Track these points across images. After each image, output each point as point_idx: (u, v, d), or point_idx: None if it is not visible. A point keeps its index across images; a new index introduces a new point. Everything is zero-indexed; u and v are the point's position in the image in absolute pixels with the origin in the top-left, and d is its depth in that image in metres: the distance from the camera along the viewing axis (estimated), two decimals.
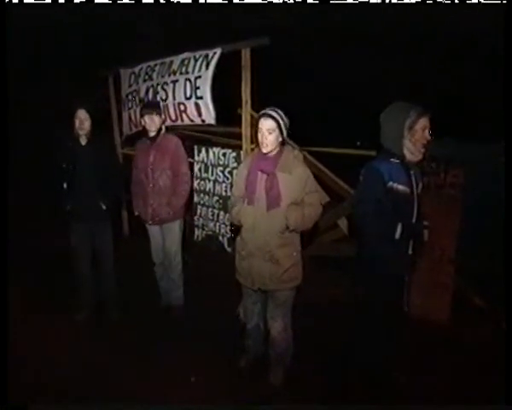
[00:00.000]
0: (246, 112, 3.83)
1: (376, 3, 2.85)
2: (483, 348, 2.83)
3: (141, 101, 4.49)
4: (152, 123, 3.15)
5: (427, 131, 2.22)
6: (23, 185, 5.78)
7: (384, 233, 2.27)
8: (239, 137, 4.03)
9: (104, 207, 3.14)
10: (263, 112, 2.35)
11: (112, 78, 5.09)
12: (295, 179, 2.33)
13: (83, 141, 3.11)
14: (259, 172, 2.37)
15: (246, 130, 3.89)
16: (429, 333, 3.04)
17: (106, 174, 3.12)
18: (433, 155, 3.16)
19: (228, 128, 4.43)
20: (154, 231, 3.34)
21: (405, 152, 2.25)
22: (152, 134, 3.19)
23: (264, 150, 2.34)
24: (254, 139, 4.26)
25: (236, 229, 2.61)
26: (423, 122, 2.21)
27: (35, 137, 6.28)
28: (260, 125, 2.33)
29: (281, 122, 2.32)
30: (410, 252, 2.35)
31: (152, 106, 3.28)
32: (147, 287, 3.59)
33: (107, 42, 6.33)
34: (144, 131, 3.31)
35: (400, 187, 2.24)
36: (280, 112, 2.35)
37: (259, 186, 2.37)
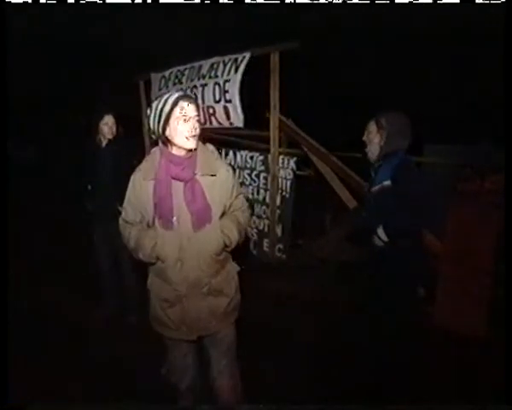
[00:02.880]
0: (274, 115, 3.83)
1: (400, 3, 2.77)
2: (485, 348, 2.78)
3: None
4: None
5: (366, 132, 2.37)
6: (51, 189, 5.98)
7: None
8: (267, 140, 4.04)
9: (121, 209, 3.13)
10: (182, 93, 1.73)
11: (143, 83, 5.21)
12: (222, 182, 1.78)
13: (103, 143, 3.13)
14: (172, 181, 1.74)
15: (274, 133, 3.90)
16: (431, 333, 2.95)
17: (125, 175, 3.12)
18: (468, 161, 3.07)
19: (256, 131, 4.45)
20: None
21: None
22: None
23: (193, 146, 1.70)
24: (282, 143, 4.32)
25: (150, 268, 1.89)
26: (369, 125, 2.37)
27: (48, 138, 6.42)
28: (186, 112, 1.67)
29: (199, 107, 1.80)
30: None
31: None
32: None
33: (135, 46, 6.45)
34: None
35: (365, 184, 2.66)
36: None
37: (176, 200, 1.72)
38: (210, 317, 1.83)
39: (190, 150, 1.73)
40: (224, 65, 3.88)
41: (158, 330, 1.92)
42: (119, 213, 3.09)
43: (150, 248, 1.76)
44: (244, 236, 1.88)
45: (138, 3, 2.35)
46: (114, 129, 3.10)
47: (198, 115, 1.73)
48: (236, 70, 3.74)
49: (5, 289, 1.97)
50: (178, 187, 1.73)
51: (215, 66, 3.99)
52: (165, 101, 1.67)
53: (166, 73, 4.71)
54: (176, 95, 1.69)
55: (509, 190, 2.07)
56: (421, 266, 2.56)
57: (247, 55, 3.73)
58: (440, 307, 3.20)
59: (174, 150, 1.74)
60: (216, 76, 3.94)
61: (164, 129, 1.68)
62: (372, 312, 2.49)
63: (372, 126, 2.34)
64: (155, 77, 4.89)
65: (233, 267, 1.94)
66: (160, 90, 4.82)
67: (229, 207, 1.85)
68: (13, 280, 2.21)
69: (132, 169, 3.15)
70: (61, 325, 3.17)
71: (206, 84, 4.06)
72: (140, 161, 3.34)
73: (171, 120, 1.67)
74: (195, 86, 4.20)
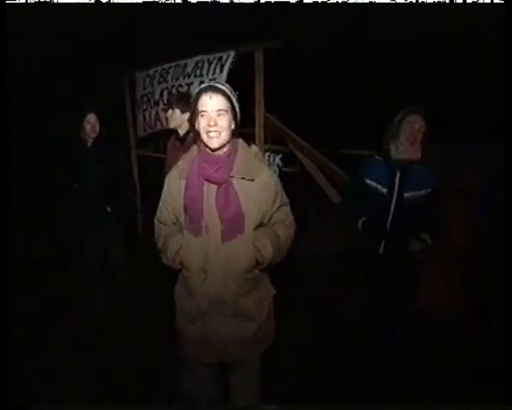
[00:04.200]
0: (259, 113, 3.87)
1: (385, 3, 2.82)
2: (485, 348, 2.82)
3: (156, 102, 4.56)
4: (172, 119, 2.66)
5: (415, 128, 2.16)
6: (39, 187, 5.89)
7: (356, 227, 2.36)
8: (252, 138, 4.07)
9: (109, 209, 3.15)
10: (206, 85, 1.53)
11: (127, 82, 5.18)
12: (261, 188, 1.56)
13: (89, 143, 3.12)
14: (205, 183, 1.54)
15: (259, 131, 3.94)
16: (430, 331, 3.03)
17: (112, 176, 3.13)
18: (443, 156, 3.16)
19: (241, 129, 4.47)
20: None
21: (392, 150, 2.24)
22: (180, 133, 2.66)
23: (216, 144, 1.51)
24: (268, 140, 4.35)
25: (179, 276, 1.75)
26: (412, 119, 2.17)
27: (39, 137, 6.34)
28: (203, 107, 1.49)
29: (233, 99, 1.54)
30: (380, 251, 2.33)
31: (168, 100, 2.82)
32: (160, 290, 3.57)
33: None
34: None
35: (373, 184, 2.27)
36: (228, 85, 1.58)
37: (207, 205, 1.53)
38: (234, 343, 1.62)
39: (220, 148, 1.54)
40: (209, 64, 3.89)
41: (181, 345, 1.76)
42: (110, 213, 3.13)
43: (174, 252, 1.60)
44: (284, 254, 1.65)
45: (129, 3, 2.37)
46: (97, 127, 3.08)
47: (225, 110, 1.50)
48: (222, 69, 3.77)
49: (5, 289, 1.98)
50: (211, 190, 1.54)
51: (200, 64, 4.00)
52: (194, 92, 1.54)
53: (151, 72, 4.69)
54: (201, 86, 1.54)
55: (508, 189, 2.11)
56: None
57: (232, 53, 3.76)
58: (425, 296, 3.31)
59: (208, 149, 1.55)
60: (201, 75, 3.96)
61: (194, 123, 1.55)
62: (369, 310, 2.53)
63: (422, 123, 2.16)
64: (140, 76, 4.87)
65: (267, 289, 1.71)
66: (144, 89, 4.80)
67: (270, 218, 1.62)
68: (13, 280, 2.20)
69: (119, 169, 3.19)
70: (61, 324, 3.17)
71: (191, 83, 4.07)
72: (126, 162, 3.36)
73: (195, 114, 1.52)
74: (181, 85, 4.21)
